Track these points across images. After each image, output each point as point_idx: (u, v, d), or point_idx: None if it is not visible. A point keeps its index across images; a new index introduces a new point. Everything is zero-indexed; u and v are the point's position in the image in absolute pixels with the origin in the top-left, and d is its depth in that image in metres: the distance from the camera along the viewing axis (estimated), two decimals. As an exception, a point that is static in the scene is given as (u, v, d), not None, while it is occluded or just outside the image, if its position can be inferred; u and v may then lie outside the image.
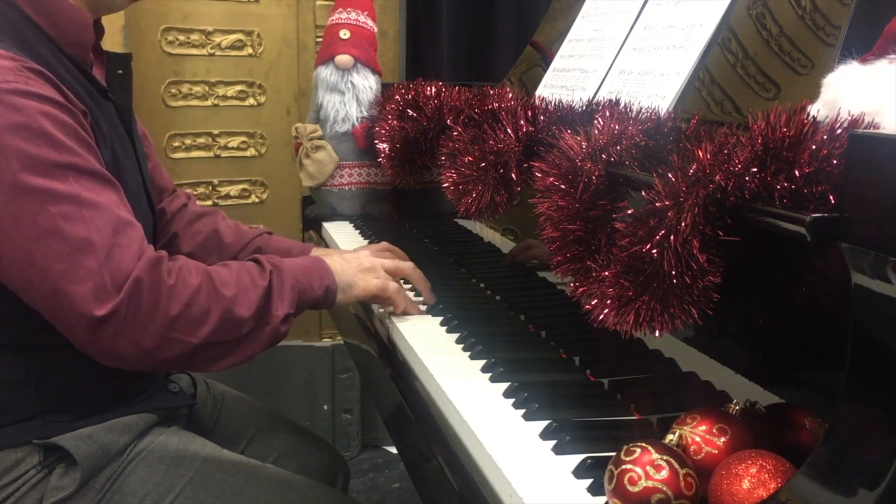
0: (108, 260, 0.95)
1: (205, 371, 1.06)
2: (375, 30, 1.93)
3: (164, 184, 1.43)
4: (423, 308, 1.27)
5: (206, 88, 2.31)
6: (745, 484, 0.65)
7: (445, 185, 1.23)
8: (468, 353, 1.09)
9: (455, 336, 1.16)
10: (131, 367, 1.00)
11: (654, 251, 0.73)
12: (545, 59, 1.65)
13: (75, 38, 1.07)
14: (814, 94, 0.78)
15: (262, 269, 1.08)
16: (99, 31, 1.15)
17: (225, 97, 2.33)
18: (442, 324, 1.21)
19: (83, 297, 0.93)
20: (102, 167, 1.01)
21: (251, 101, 2.36)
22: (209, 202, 2.35)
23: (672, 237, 0.72)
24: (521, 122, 1.12)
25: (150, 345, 0.97)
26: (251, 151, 2.39)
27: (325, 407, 2.52)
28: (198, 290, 1.01)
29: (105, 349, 0.97)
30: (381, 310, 1.28)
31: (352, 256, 1.25)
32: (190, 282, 1.01)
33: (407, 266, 1.29)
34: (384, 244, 1.43)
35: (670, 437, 0.74)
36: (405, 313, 1.23)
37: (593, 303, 0.82)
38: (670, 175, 0.75)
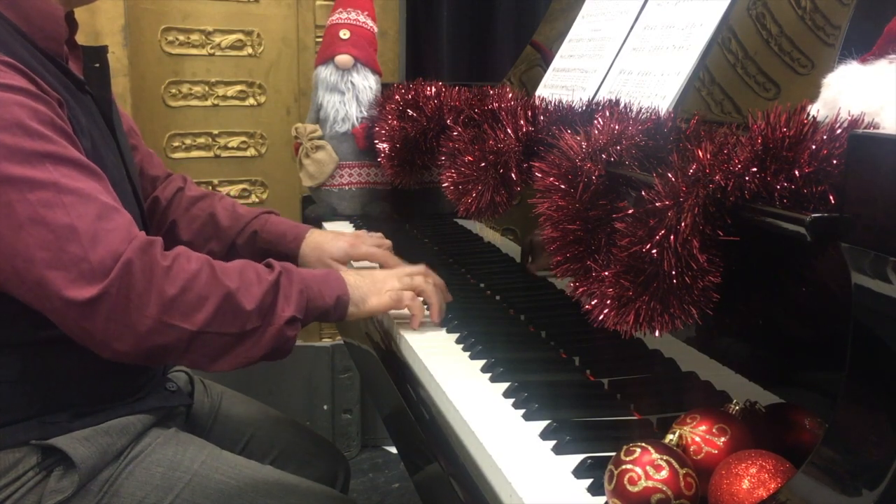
0: (93, 245, 0.93)
1: (206, 370, 1.03)
2: (375, 30, 1.93)
3: (156, 172, 1.42)
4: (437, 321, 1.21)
5: (206, 88, 2.31)
6: (745, 484, 0.65)
7: (445, 185, 1.23)
8: (468, 353, 1.09)
9: (455, 336, 1.16)
10: (129, 357, 0.98)
11: (654, 251, 0.73)
12: (545, 59, 1.65)
13: (48, 32, 1.06)
14: (814, 94, 0.77)
15: (271, 269, 1.07)
16: (72, 25, 1.15)
17: (225, 97, 2.33)
18: (442, 324, 1.21)
19: (69, 282, 0.92)
20: (82, 156, 1.00)
21: (251, 101, 2.36)
22: (209, 202, 2.35)
23: (672, 237, 0.72)
24: (521, 122, 1.12)
25: (144, 328, 0.95)
26: (251, 151, 2.38)
27: (325, 407, 2.52)
28: (196, 274, 0.99)
29: (99, 336, 0.95)
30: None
31: (367, 272, 1.23)
32: (188, 266, 0.99)
33: (420, 281, 1.21)
34: (378, 235, 1.45)
35: (670, 437, 0.74)
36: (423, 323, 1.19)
37: (593, 303, 0.82)
38: (670, 175, 0.75)
